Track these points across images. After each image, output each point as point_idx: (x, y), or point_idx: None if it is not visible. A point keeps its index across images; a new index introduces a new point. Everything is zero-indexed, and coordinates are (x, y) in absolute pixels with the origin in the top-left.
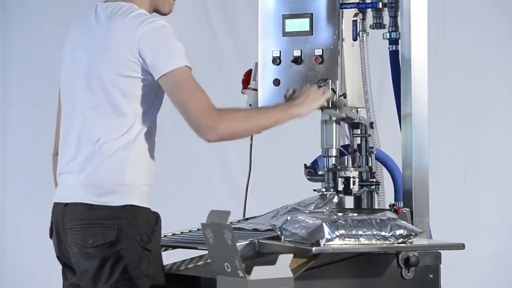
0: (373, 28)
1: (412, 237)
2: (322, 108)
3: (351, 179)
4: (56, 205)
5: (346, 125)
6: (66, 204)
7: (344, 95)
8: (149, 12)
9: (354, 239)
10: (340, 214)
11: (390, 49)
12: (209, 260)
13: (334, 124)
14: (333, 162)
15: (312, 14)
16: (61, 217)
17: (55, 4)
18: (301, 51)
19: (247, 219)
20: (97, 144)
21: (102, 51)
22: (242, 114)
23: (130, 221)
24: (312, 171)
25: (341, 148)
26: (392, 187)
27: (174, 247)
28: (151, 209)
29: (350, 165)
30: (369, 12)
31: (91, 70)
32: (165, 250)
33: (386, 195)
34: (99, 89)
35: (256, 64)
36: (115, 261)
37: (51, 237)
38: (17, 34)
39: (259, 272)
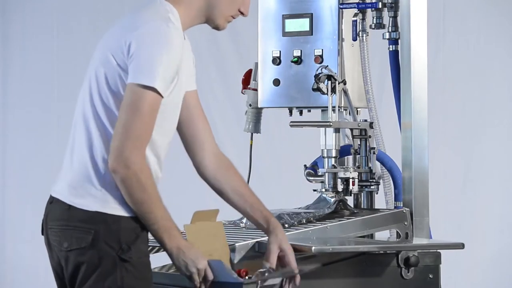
0: (373, 28)
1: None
2: (322, 110)
3: (351, 180)
4: (48, 200)
5: None
6: (52, 201)
7: (344, 82)
8: (199, 20)
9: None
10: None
11: (390, 49)
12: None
13: None
14: (333, 163)
15: (312, 14)
16: (47, 215)
17: (54, 7)
18: (301, 51)
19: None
20: (86, 140)
21: (109, 46)
22: (149, 190)
23: (110, 226)
24: (312, 171)
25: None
26: None
27: None
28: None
29: (350, 166)
30: (369, 12)
31: (98, 61)
32: (165, 250)
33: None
34: (92, 82)
35: (256, 64)
36: (88, 268)
37: (42, 234)
38: (17, 37)
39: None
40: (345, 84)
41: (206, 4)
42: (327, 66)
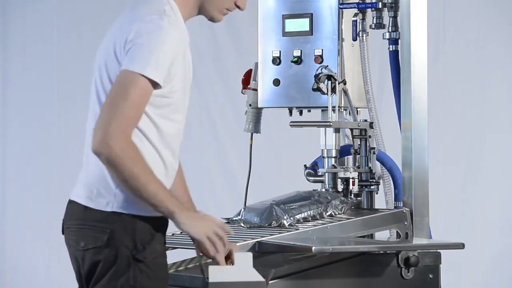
0: (373, 28)
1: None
2: (322, 110)
3: (351, 180)
4: (68, 201)
5: None
6: (71, 202)
7: (344, 82)
8: (196, 12)
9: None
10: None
11: (390, 49)
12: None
13: None
14: (333, 163)
15: (312, 14)
16: (65, 215)
17: (54, 9)
18: (301, 51)
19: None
20: None
21: (111, 41)
22: (141, 163)
23: (125, 225)
24: (312, 171)
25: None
26: None
27: (174, 247)
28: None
29: (350, 166)
30: (369, 12)
31: (101, 59)
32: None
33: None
34: (104, 82)
35: (256, 64)
36: (104, 266)
37: (63, 233)
38: (17, 38)
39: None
40: (345, 84)
41: None
42: (327, 66)
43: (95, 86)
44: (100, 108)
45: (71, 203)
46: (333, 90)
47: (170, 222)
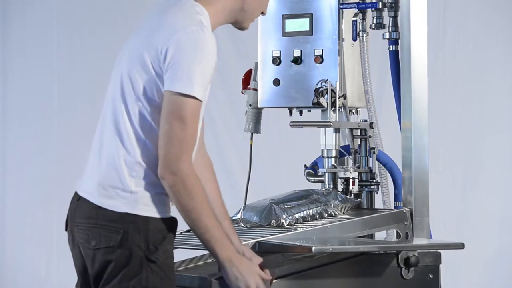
0: (373, 28)
1: (348, 204)
2: (322, 110)
3: (351, 180)
4: (74, 196)
5: None
6: (79, 198)
7: (344, 96)
8: (227, 21)
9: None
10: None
11: (390, 49)
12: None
13: None
14: (333, 163)
15: (312, 14)
16: (73, 212)
17: (54, 10)
18: (301, 51)
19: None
20: (116, 142)
21: (140, 47)
22: (198, 196)
23: (138, 226)
24: (312, 171)
25: (341, 149)
26: None
27: (174, 247)
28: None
29: (350, 166)
30: (369, 12)
31: (128, 66)
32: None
33: (390, 195)
34: (125, 84)
35: (256, 64)
36: (116, 266)
37: (66, 230)
38: (17, 40)
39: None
40: (345, 98)
41: (239, 7)
42: (327, 80)
43: (121, 87)
44: (125, 111)
45: (81, 200)
46: (333, 104)
47: (179, 222)
